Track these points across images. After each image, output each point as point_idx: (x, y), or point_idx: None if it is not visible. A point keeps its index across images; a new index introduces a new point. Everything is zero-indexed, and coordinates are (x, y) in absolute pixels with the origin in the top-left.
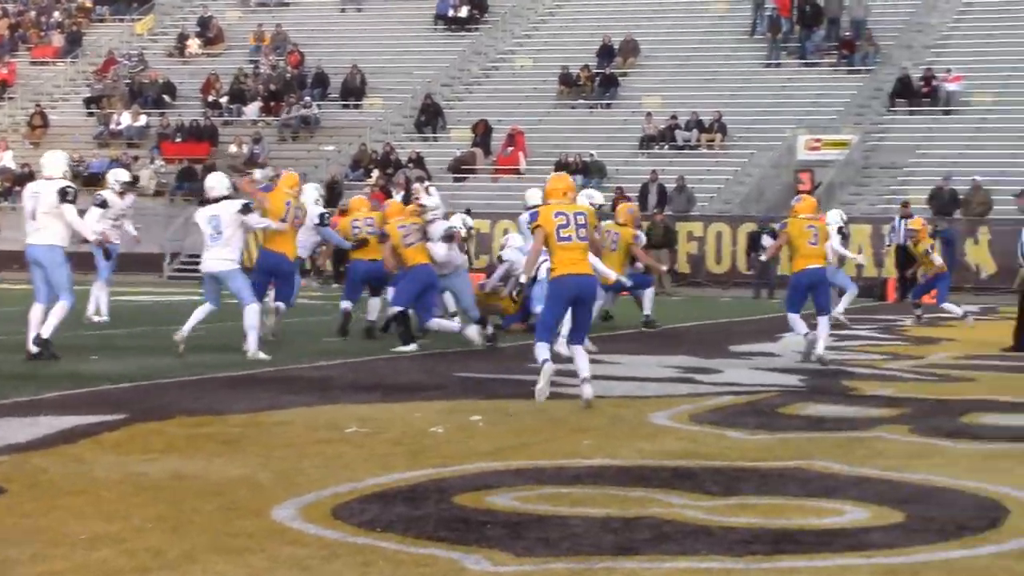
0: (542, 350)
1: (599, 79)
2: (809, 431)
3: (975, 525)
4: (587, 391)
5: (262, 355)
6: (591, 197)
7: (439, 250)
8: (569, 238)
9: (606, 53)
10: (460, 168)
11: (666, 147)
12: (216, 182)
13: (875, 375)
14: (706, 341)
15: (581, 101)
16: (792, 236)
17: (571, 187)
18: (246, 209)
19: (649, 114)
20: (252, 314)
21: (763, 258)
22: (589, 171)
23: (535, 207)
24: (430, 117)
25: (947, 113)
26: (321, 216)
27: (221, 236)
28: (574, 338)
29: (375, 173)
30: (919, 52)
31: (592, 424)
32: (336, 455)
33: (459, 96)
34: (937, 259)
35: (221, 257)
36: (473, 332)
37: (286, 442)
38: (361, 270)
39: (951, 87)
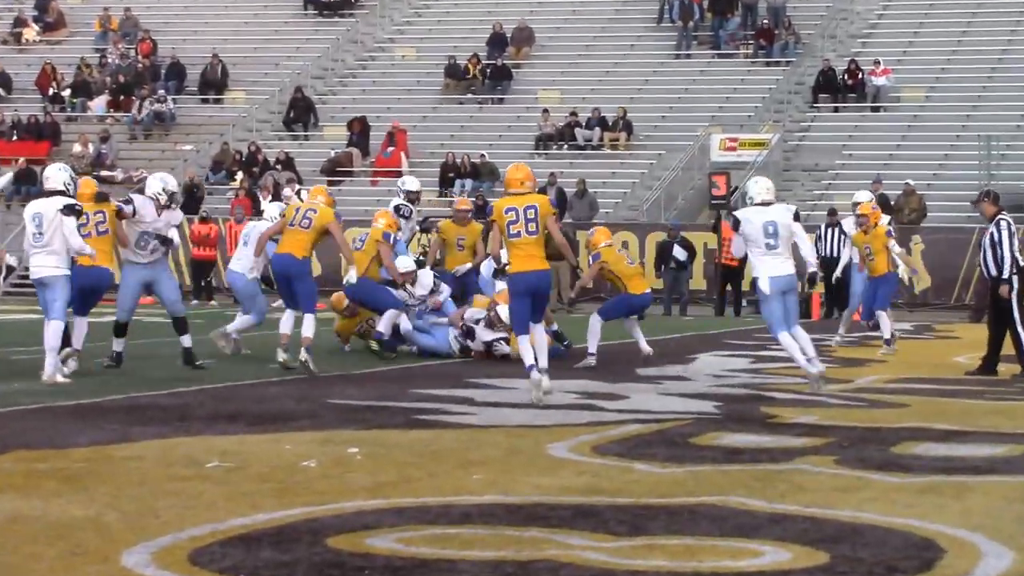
0: (526, 354)
1: (490, 71)
2: (724, 463)
3: (907, 567)
4: (544, 382)
5: (60, 378)
6: (404, 184)
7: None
8: (519, 234)
9: (498, 42)
10: (335, 170)
11: (565, 147)
12: (53, 173)
13: (797, 400)
14: (610, 363)
15: (469, 96)
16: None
17: (528, 176)
18: (69, 210)
19: (546, 110)
20: (53, 334)
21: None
22: (479, 174)
23: (411, 192)
24: (300, 113)
25: (875, 110)
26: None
27: (43, 237)
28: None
29: (239, 176)
30: (844, 42)
31: (483, 456)
32: (194, 493)
33: (333, 90)
34: (896, 247)
35: (46, 264)
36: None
37: (138, 479)
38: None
39: (879, 81)
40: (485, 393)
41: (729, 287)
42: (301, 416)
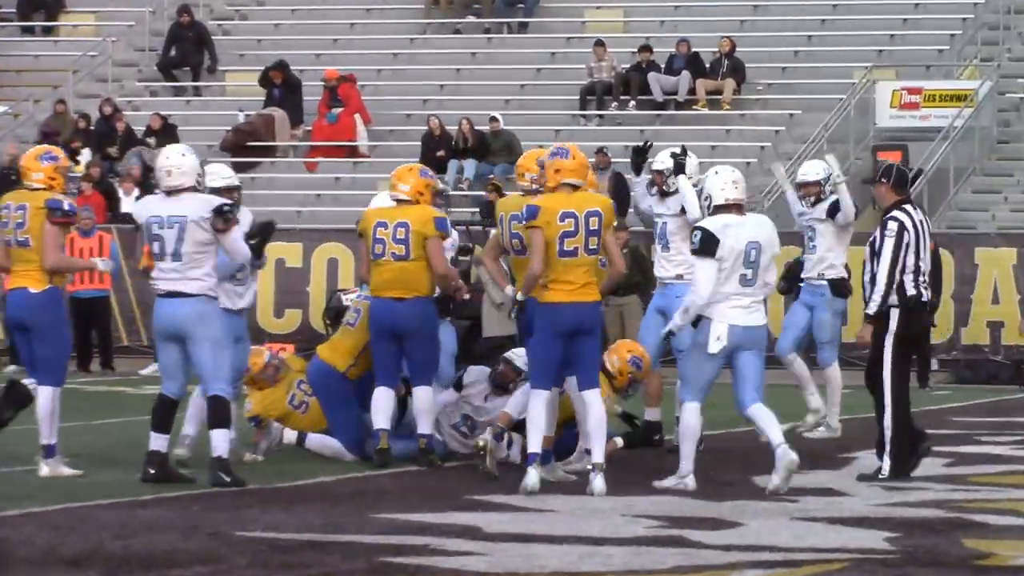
0: (532, 431)
1: None
2: None
3: None
4: (597, 484)
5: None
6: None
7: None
8: (574, 252)
9: None
10: (244, 146)
11: (631, 104)
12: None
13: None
14: (712, 463)
15: (470, 21)
16: None
17: (584, 164)
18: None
19: (600, 44)
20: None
21: None
22: (487, 150)
23: None
24: (187, 52)
25: None
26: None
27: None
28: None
29: (84, 155)
30: None
31: None
32: None
33: (241, 11)
34: None
35: None
36: None
37: None
38: None
39: None
40: (500, 519)
41: None
42: (192, 560)
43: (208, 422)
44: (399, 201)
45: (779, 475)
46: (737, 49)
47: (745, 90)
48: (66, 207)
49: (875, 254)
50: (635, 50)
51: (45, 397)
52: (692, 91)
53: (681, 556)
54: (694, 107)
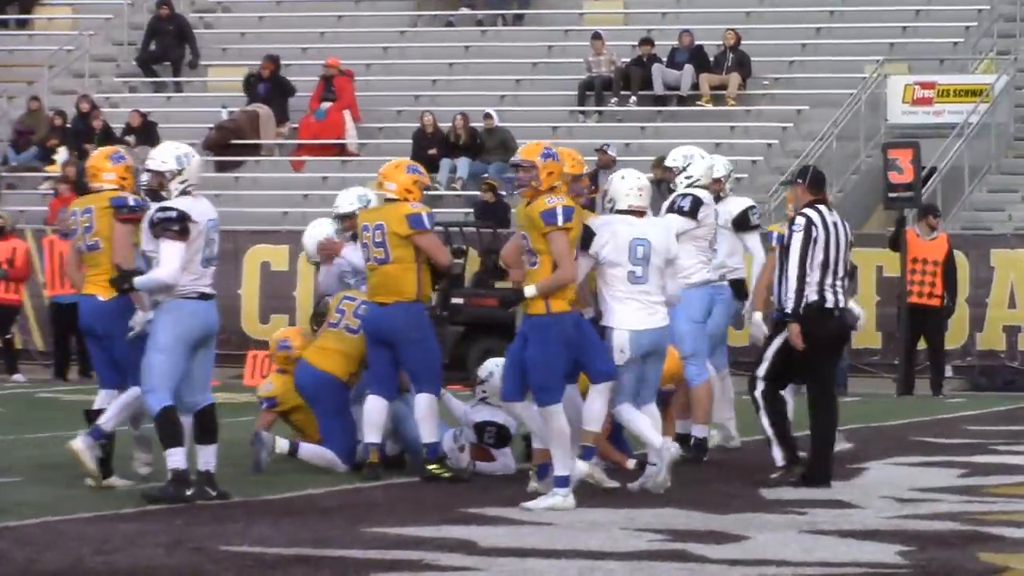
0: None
1: None
2: None
3: None
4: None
5: None
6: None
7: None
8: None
9: None
10: (227, 144)
11: (632, 100)
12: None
13: None
14: (717, 475)
15: (464, 12)
16: None
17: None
18: None
19: (598, 36)
20: None
21: None
22: (481, 148)
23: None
24: (168, 45)
25: None
26: None
27: None
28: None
29: (61, 154)
30: None
31: None
32: None
33: (224, 4)
34: None
35: None
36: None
37: None
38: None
39: None
40: (496, 533)
41: (923, 343)
42: (175, 575)
43: (198, 436)
44: (386, 200)
45: (662, 470)
46: (742, 42)
47: (751, 85)
48: (131, 203)
49: (784, 251)
50: (635, 43)
51: (129, 395)
52: (695, 86)
53: (684, 571)
54: (697, 103)
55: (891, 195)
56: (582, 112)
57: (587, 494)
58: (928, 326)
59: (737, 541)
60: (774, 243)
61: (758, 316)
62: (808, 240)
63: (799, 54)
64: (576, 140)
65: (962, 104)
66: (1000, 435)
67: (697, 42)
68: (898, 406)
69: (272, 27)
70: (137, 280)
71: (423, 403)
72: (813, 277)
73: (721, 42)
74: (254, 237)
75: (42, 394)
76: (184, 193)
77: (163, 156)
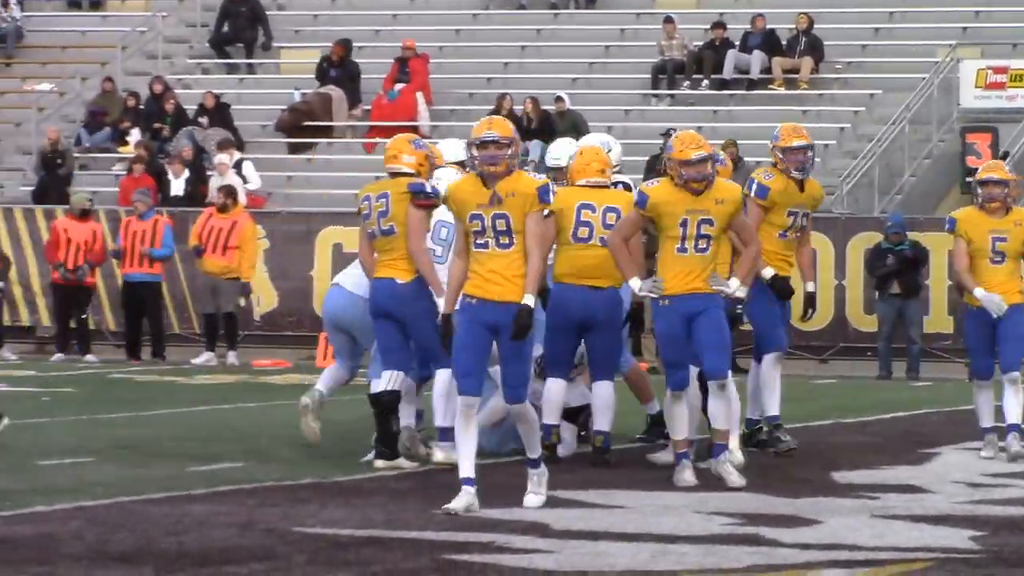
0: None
1: None
2: None
3: None
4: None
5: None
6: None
7: None
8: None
9: None
10: (300, 126)
11: (704, 84)
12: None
13: None
14: (791, 459)
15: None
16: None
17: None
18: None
19: (669, 20)
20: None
21: None
22: (552, 129)
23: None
24: (240, 28)
25: None
26: None
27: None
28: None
29: (134, 135)
30: None
31: None
32: None
33: None
34: None
35: None
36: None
37: None
38: None
39: None
40: (568, 515)
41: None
42: (247, 557)
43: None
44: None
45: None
46: (815, 26)
47: (823, 69)
48: (428, 190)
49: None
50: (708, 27)
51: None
52: (766, 70)
53: (757, 555)
54: (770, 87)
55: (968, 180)
56: (654, 95)
57: (660, 479)
58: None
59: (809, 525)
60: None
61: None
62: None
63: (872, 38)
64: (647, 123)
65: None
66: None
67: (769, 26)
68: (970, 391)
69: (345, 9)
70: None
71: (603, 391)
72: None
73: (794, 26)
74: (326, 219)
75: (114, 375)
76: None
77: (556, 153)
